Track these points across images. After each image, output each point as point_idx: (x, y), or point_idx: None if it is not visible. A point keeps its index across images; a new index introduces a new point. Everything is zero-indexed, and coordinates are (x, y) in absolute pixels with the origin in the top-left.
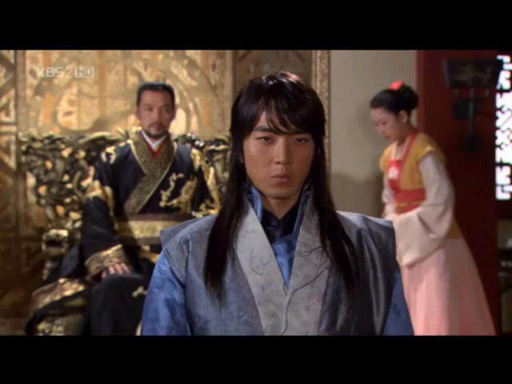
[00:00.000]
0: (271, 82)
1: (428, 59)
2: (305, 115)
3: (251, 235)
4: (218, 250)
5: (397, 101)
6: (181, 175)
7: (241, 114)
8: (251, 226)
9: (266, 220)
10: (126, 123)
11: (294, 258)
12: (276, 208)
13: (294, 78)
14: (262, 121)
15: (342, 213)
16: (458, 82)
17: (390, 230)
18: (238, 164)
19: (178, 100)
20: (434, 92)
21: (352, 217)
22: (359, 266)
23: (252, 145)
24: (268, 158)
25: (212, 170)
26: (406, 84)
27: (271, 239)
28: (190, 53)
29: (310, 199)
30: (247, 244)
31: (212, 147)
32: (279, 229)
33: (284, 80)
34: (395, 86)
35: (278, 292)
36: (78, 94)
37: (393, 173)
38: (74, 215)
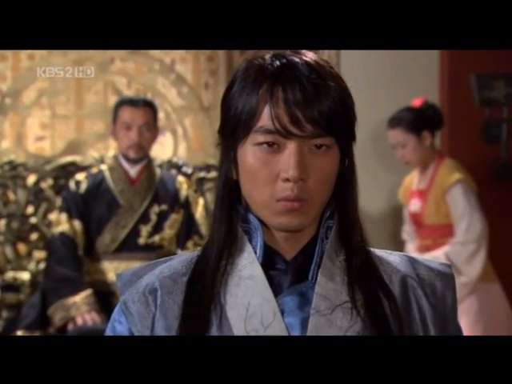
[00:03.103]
0: (278, 63)
1: (453, 73)
2: (327, 111)
3: (247, 283)
4: (199, 304)
5: (419, 120)
6: (164, 207)
7: (234, 108)
8: (248, 269)
9: (270, 261)
10: (104, 147)
11: (309, 317)
12: (284, 244)
13: (310, 56)
14: (265, 119)
15: (378, 252)
16: (489, 99)
17: (448, 278)
18: (230, 181)
19: (164, 121)
20: (461, 111)
21: (393, 258)
22: (404, 330)
23: (250, 153)
24: (273, 172)
25: (201, 200)
26: (429, 101)
27: (276, 289)
28: (179, 68)
29: (334, 232)
30: (241, 296)
31: (202, 174)
32: (288, 274)
33: (296, 60)
34: (417, 102)
35: None
36: (52, 117)
37: (415, 205)
38: (39, 254)
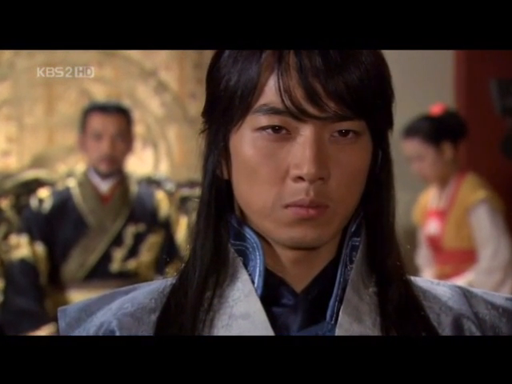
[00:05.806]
0: None
1: (470, 79)
2: (357, 83)
3: (241, 324)
4: None
5: (438, 129)
6: (141, 227)
7: (225, 81)
8: (242, 305)
9: (273, 294)
10: (77, 161)
11: None
12: (293, 270)
13: None
14: (270, 94)
15: (420, 281)
16: None
17: None
18: (218, 181)
19: (145, 133)
20: (479, 122)
21: (442, 290)
22: None
23: (248, 142)
24: (280, 168)
25: (184, 220)
26: (450, 108)
27: (282, 333)
28: (163, 76)
29: (361, 254)
30: None
31: (186, 192)
32: (298, 312)
33: None
34: (436, 110)
35: None
36: (20, 129)
37: (432, 227)
38: None
